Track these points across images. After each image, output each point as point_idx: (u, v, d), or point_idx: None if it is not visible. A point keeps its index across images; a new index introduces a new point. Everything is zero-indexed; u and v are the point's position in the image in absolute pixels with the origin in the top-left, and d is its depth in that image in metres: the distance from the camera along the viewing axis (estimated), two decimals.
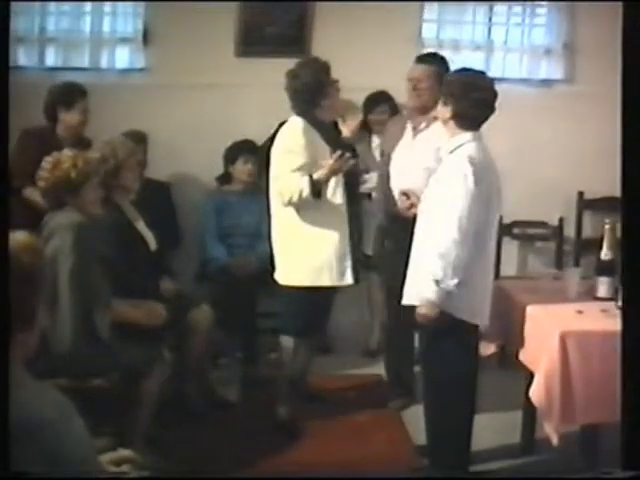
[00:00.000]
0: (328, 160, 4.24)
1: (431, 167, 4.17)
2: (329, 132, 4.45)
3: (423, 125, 4.57)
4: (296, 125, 4.35)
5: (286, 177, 4.25)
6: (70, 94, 4.91)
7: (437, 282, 3.58)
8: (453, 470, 3.91)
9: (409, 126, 4.66)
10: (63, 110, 4.89)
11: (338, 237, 4.34)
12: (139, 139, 5.18)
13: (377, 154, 5.38)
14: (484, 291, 3.81)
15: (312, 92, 4.33)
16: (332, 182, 4.29)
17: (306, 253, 4.35)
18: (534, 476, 3.93)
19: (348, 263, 4.36)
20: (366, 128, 5.57)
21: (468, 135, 3.71)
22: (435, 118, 4.41)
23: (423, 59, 4.65)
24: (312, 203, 4.25)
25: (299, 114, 4.37)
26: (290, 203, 4.27)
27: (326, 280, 4.35)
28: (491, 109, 3.74)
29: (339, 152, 4.23)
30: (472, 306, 3.75)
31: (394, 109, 5.50)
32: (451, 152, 3.73)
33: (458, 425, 3.91)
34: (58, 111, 4.90)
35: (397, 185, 4.58)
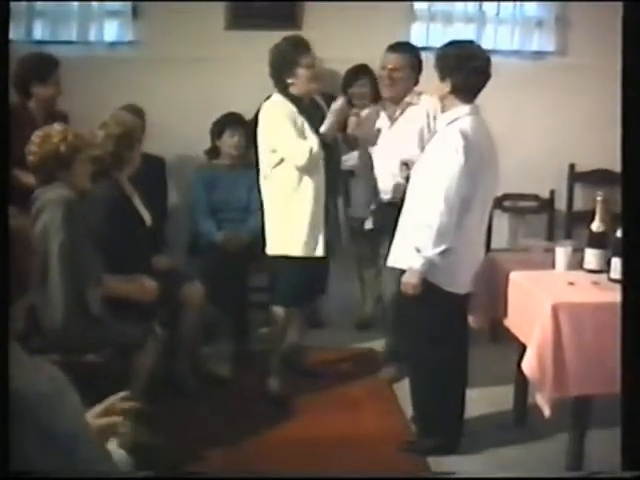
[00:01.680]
0: (333, 106, 4.37)
1: (414, 154, 4.33)
2: (306, 108, 4.43)
3: (398, 113, 4.67)
4: (274, 101, 4.41)
5: (290, 144, 4.30)
6: (43, 66, 4.75)
7: (420, 251, 3.69)
8: (444, 441, 3.96)
9: (384, 116, 4.77)
10: (37, 84, 4.72)
11: (314, 210, 4.37)
12: (137, 114, 5.13)
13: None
14: (467, 261, 3.86)
15: (279, 69, 4.37)
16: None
17: (286, 224, 4.42)
18: (535, 476, 3.95)
19: (321, 236, 4.41)
20: (347, 102, 5.56)
21: (466, 108, 3.77)
22: (409, 103, 4.53)
23: (397, 48, 4.69)
24: (295, 175, 4.33)
25: (278, 90, 4.42)
26: (304, 167, 4.30)
27: (299, 251, 4.40)
28: (487, 75, 3.79)
29: (341, 98, 4.42)
30: (453, 275, 3.80)
31: (374, 82, 5.48)
32: (447, 125, 3.77)
33: (448, 397, 3.95)
34: (32, 85, 4.72)
35: (382, 174, 4.71)
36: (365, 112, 4.84)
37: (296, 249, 4.40)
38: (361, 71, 5.56)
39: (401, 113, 4.66)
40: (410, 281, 3.76)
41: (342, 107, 4.41)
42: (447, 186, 3.63)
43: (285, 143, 4.33)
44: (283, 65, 4.34)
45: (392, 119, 4.71)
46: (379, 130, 4.75)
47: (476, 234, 3.89)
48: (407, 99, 4.64)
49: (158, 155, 5.53)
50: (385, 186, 4.69)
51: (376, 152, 4.74)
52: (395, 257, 3.99)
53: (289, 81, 4.36)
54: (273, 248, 4.51)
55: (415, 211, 3.83)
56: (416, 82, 4.69)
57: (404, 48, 4.71)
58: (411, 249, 3.74)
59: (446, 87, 3.79)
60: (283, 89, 4.38)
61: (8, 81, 2.13)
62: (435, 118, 4.41)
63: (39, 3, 5.71)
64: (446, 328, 3.88)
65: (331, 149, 4.43)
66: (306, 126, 4.34)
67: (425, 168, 3.85)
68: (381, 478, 3.94)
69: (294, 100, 4.37)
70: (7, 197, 1.93)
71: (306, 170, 4.31)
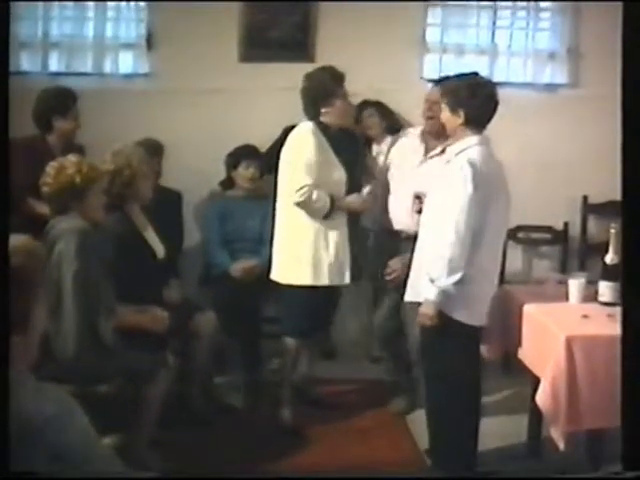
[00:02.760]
0: (353, 198, 4.45)
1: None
2: (335, 138, 4.47)
3: (438, 150, 4.46)
4: (305, 129, 4.42)
5: (294, 178, 4.34)
6: (64, 101, 4.81)
7: (434, 281, 3.68)
8: (458, 474, 3.92)
9: (422, 147, 4.63)
10: (58, 118, 4.77)
11: (338, 237, 4.42)
12: (155, 149, 5.15)
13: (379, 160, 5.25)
14: (482, 293, 3.84)
15: (316, 98, 4.41)
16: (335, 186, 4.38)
17: (307, 252, 4.43)
18: (537, 476, 3.92)
19: (347, 263, 4.44)
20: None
21: (475, 139, 3.77)
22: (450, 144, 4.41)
23: (440, 81, 4.49)
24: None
25: (308, 118, 4.44)
26: (298, 205, 4.36)
27: (325, 279, 4.42)
28: (497, 103, 3.80)
29: (369, 190, 4.49)
30: (469, 307, 3.78)
31: (384, 113, 5.48)
32: (456, 155, 3.77)
33: (461, 429, 3.92)
34: (53, 119, 4.77)
35: (399, 205, 4.61)
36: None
37: (319, 278, 4.42)
38: (368, 103, 5.56)
39: (440, 152, 4.37)
40: (426, 312, 3.74)
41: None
42: (457, 216, 3.62)
43: (292, 175, 4.37)
44: (321, 94, 4.39)
45: (428, 154, 4.55)
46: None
47: (491, 265, 3.88)
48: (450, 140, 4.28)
49: (174, 189, 5.54)
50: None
51: (400, 180, 4.64)
52: (411, 291, 3.99)
53: (324, 110, 4.40)
54: (281, 276, 4.54)
55: (428, 243, 3.83)
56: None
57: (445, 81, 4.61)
58: (426, 281, 3.74)
59: (459, 119, 3.79)
60: (315, 115, 4.42)
61: (8, 83, 2.14)
62: None
63: (54, 34, 5.78)
64: (463, 360, 3.85)
65: (355, 183, 4.47)
66: (332, 157, 4.39)
67: (435, 200, 3.85)
68: (381, 478, 3.93)
69: (324, 129, 4.41)
70: (7, 228, 1.95)
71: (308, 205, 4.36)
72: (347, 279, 4.47)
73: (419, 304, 3.81)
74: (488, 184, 3.69)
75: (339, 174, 4.41)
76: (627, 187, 2.40)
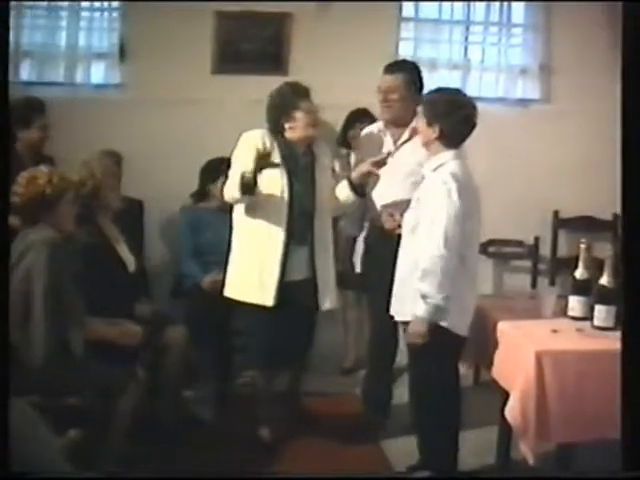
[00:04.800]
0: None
1: (416, 180, 4.17)
2: (292, 156, 4.37)
3: (405, 136, 4.50)
4: (254, 132, 4.36)
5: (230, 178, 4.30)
6: (27, 111, 4.79)
7: (425, 298, 3.64)
8: None
9: (389, 139, 4.59)
10: (20, 128, 4.76)
11: (269, 256, 4.32)
12: (115, 159, 5.11)
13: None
14: (468, 303, 3.85)
15: (278, 112, 4.34)
16: (272, 200, 4.28)
17: (240, 267, 4.44)
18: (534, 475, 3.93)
19: (273, 285, 4.31)
20: (345, 145, 5.57)
21: (450, 153, 3.76)
22: (416, 129, 4.38)
23: (391, 69, 4.57)
24: (251, 217, 4.35)
25: (270, 131, 4.37)
26: (233, 202, 4.37)
27: (251, 297, 4.35)
28: (474, 125, 3.80)
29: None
30: (459, 317, 3.77)
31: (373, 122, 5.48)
32: (434, 170, 3.77)
33: (449, 440, 3.92)
34: (16, 129, 4.75)
35: (381, 199, 4.54)
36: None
37: (248, 295, 4.38)
38: (361, 114, 5.56)
39: (409, 138, 4.47)
40: (417, 330, 3.71)
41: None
42: (445, 230, 3.61)
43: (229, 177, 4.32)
44: (282, 108, 4.31)
45: (397, 143, 4.53)
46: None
47: (475, 275, 3.90)
48: (414, 124, 4.29)
49: (136, 198, 5.51)
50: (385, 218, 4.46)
51: (383, 176, 4.45)
52: (397, 308, 3.97)
53: (287, 125, 4.32)
54: (229, 290, 4.49)
55: (414, 260, 3.78)
56: (419, 102, 4.44)
57: (397, 67, 4.57)
58: (413, 298, 3.70)
59: (434, 133, 3.78)
60: (276, 130, 4.34)
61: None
62: None
63: (26, 43, 5.75)
64: (449, 370, 3.88)
65: (299, 190, 4.35)
66: (273, 171, 4.28)
67: (418, 217, 3.82)
68: (381, 478, 3.91)
69: (284, 145, 4.32)
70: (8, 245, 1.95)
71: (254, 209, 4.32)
72: (270, 301, 4.31)
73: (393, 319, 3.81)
74: (469, 196, 3.70)
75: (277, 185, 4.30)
76: (626, 203, 2.42)
